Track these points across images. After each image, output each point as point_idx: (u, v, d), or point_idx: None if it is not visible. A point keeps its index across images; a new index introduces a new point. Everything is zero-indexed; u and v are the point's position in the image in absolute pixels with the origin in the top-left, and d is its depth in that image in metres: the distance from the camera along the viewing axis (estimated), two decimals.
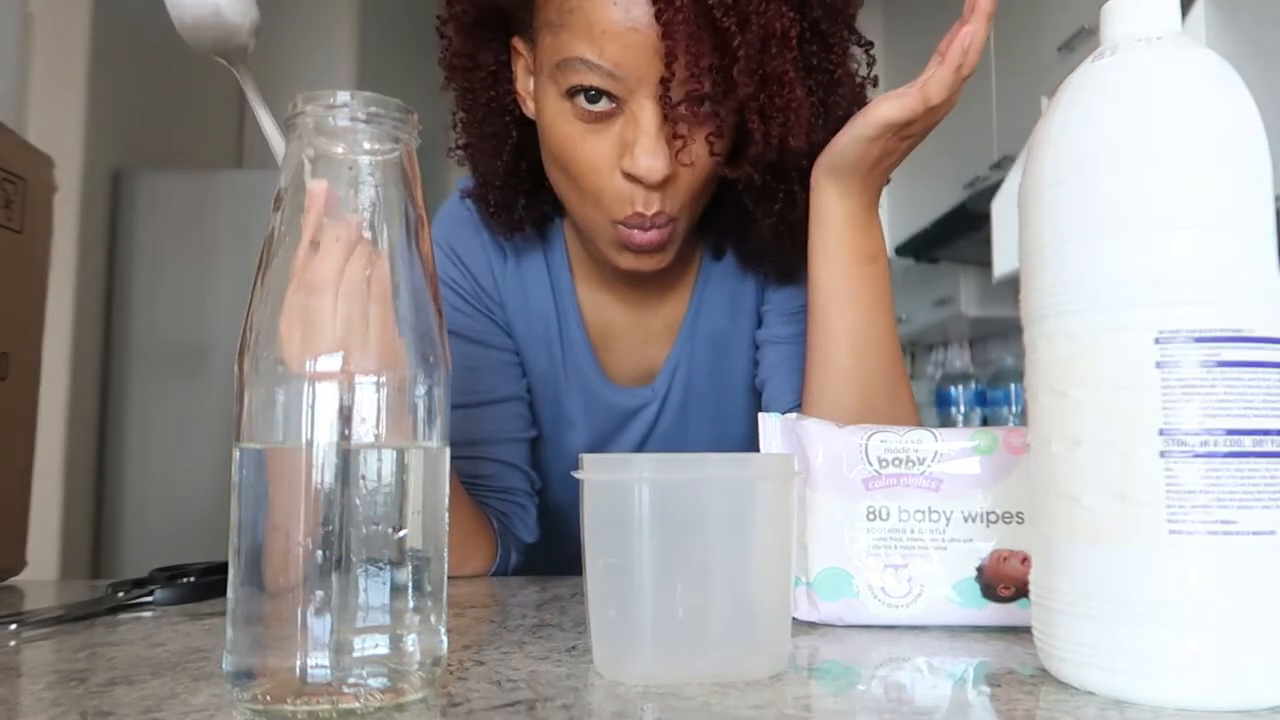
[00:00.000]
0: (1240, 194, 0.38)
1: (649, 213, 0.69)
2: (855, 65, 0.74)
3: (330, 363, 0.37)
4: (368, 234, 0.39)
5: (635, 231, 0.71)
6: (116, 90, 2.46)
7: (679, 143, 0.68)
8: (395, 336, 0.39)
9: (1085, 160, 0.39)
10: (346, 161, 0.39)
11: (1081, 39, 2.17)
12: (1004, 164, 2.55)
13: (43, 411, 0.79)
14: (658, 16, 0.63)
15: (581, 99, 0.67)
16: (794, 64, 0.66)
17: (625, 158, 0.68)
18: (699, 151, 0.69)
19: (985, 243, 2.54)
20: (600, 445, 0.88)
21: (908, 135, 0.68)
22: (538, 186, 0.80)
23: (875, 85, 0.76)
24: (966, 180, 2.76)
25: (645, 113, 0.67)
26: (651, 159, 0.67)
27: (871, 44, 0.74)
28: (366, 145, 0.39)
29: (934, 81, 0.65)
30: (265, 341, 0.38)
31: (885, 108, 0.66)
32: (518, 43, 0.75)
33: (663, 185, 0.69)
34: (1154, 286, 0.37)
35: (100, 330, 2.47)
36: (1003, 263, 2.41)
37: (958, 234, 2.84)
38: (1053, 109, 0.42)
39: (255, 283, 0.39)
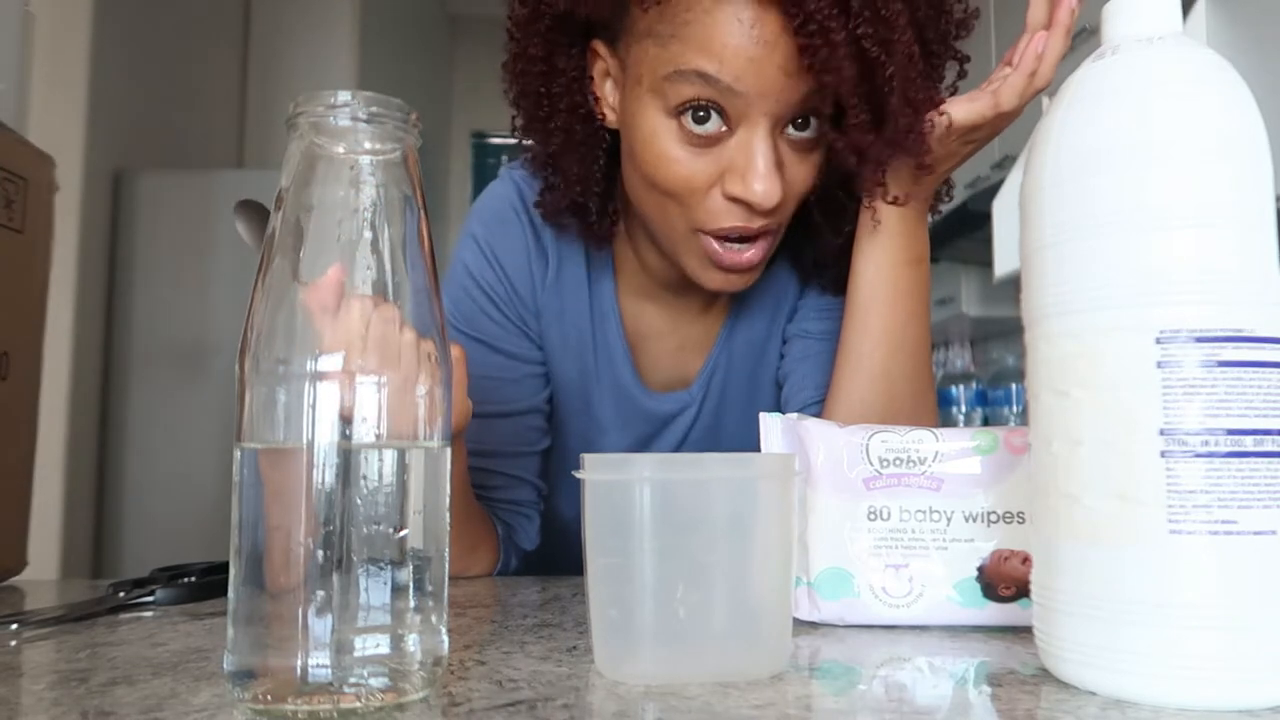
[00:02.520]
0: (1241, 193, 0.38)
1: (754, 227, 0.68)
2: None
3: (331, 362, 0.37)
4: (369, 234, 0.39)
5: (727, 253, 0.69)
6: (117, 90, 2.46)
7: (789, 160, 0.67)
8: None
9: (1086, 160, 0.39)
10: (348, 161, 0.39)
11: (1082, 39, 2.16)
12: (1005, 164, 2.54)
13: (43, 411, 0.79)
14: (802, 49, 0.61)
15: (689, 118, 0.65)
16: (926, 85, 0.64)
17: (733, 181, 0.65)
18: (801, 171, 0.68)
19: (986, 242, 2.54)
20: (636, 451, 0.87)
21: (972, 140, 0.67)
22: (611, 189, 0.78)
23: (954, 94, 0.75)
24: (967, 180, 2.76)
25: (759, 134, 0.64)
26: (766, 184, 0.64)
27: (968, 58, 0.73)
28: (368, 145, 0.39)
29: (1007, 88, 0.64)
30: (266, 341, 0.38)
31: (956, 111, 0.65)
32: (599, 46, 0.72)
33: (772, 209, 0.67)
34: (1155, 286, 0.37)
35: (101, 330, 2.47)
36: (1004, 262, 2.41)
37: (959, 234, 2.83)
38: (1054, 108, 0.42)
39: (256, 283, 0.39)
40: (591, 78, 0.73)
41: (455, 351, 0.59)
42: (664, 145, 0.67)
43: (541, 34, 0.72)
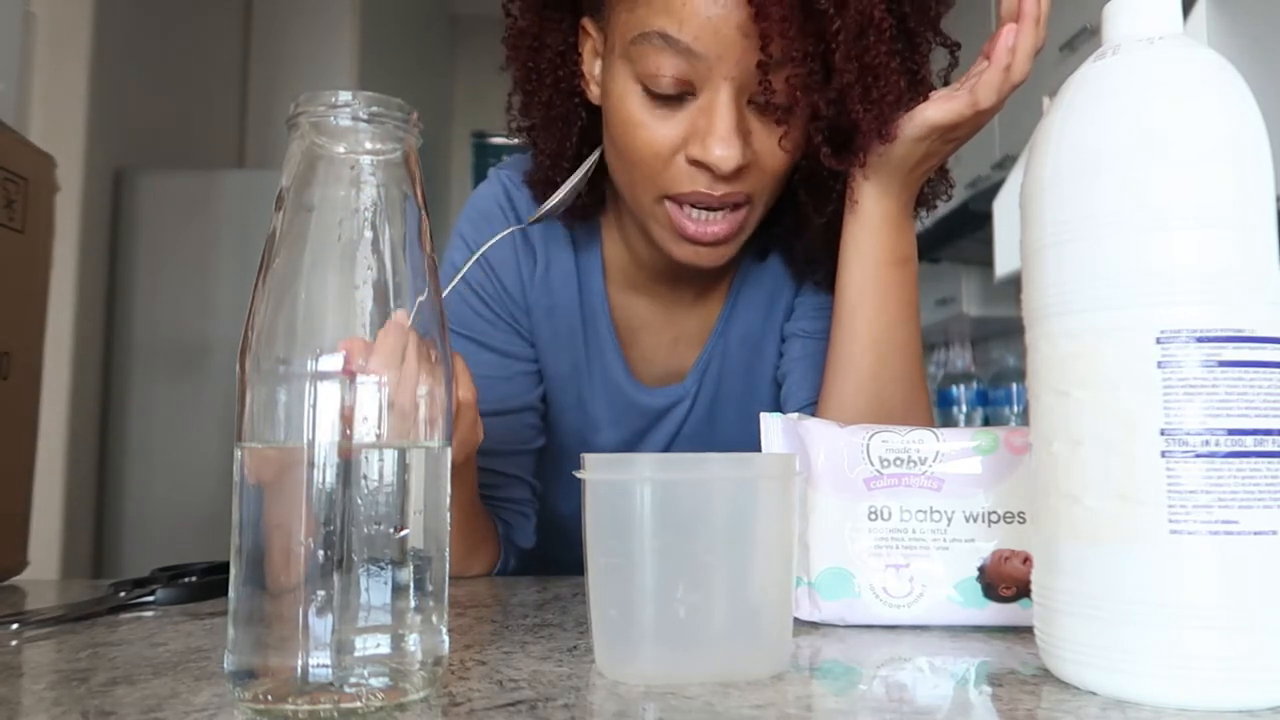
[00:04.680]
0: (1241, 194, 0.38)
1: (716, 194, 0.67)
2: (934, 74, 0.72)
3: (332, 362, 0.37)
4: (369, 234, 0.39)
5: (692, 223, 0.69)
6: (118, 90, 2.46)
7: (758, 128, 0.66)
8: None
9: (1087, 160, 0.39)
10: (348, 161, 0.39)
11: (1083, 39, 2.16)
12: (1006, 164, 2.54)
13: (44, 411, 0.79)
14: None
15: (653, 82, 0.65)
16: (890, 55, 0.63)
17: (694, 145, 0.66)
18: (774, 142, 0.67)
19: (987, 242, 2.53)
20: (630, 445, 0.87)
21: (952, 138, 0.67)
22: (598, 172, 0.78)
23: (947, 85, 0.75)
24: (968, 180, 2.76)
25: (721, 99, 0.64)
26: (725, 148, 0.64)
27: (959, 45, 0.72)
28: (368, 145, 0.40)
29: (983, 85, 0.63)
30: (266, 341, 0.38)
31: (933, 110, 0.65)
32: (587, 23, 0.74)
33: (734, 176, 0.67)
34: (1155, 286, 0.37)
35: (102, 330, 2.47)
36: (1004, 262, 2.41)
37: (959, 233, 2.83)
38: (1054, 108, 0.42)
39: (257, 283, 0.39)
40: (581, 56, 0.75)
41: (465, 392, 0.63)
42: (631, 109, 0.68)
43: (534, 10, 0.75)
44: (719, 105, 0.65)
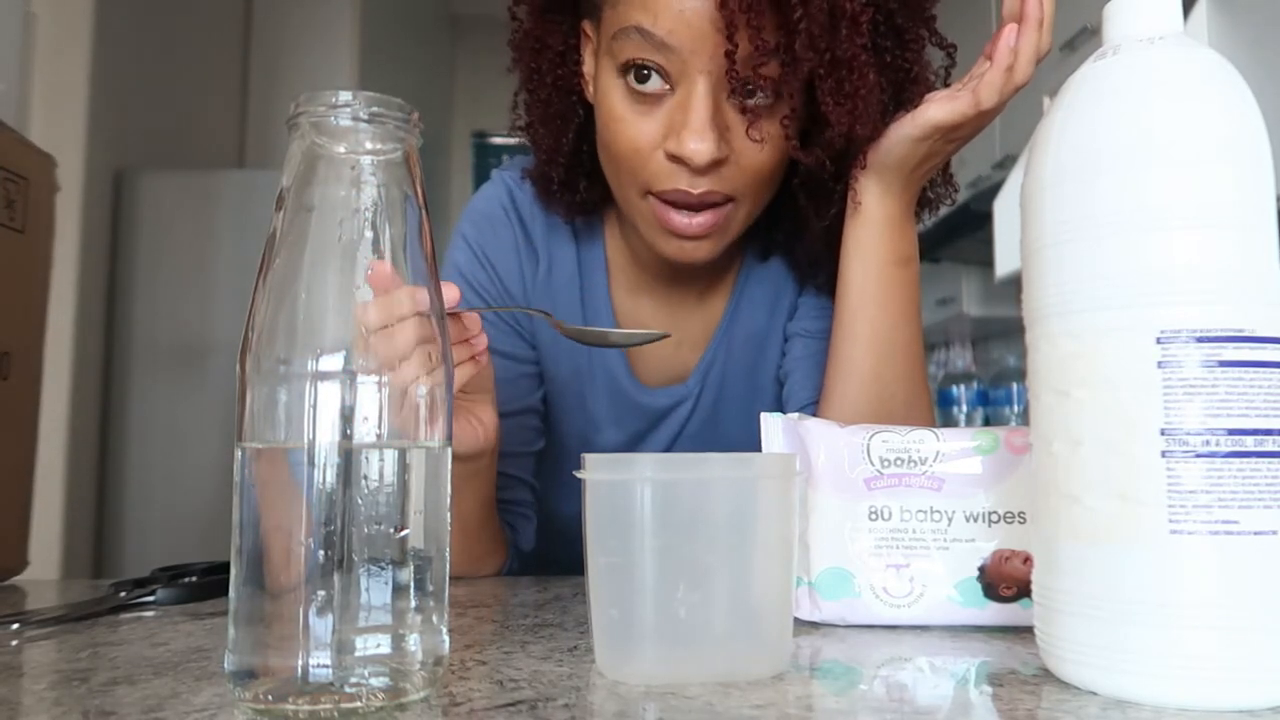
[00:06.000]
0: (1242, 194, 0.38)
1: (695, 192, 0.67)
2: (932, 73, 0.72)
3: (332, 362, 0.37)
4: (370, 234, 0.39)
5: (677, 216, 0.69)
6: (118, 90, 2.46)
7: (738, 123, 0.66)
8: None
9: (1087, 160, 0.39)
10: (349, 161, 0.39)
11: (1084, 38, 2.16)
12: (1006, 163, 2.54)
13: (44, 411, 0.79)
14: None
15: (632, 77, 0.66)
16: (865, 49, 0.63)
17: (671, 139, 0.66)
18: (748, 135, 0.66)
19: (987, 242, 2.53)
20: (631, 446, 0.87)
21: (955, 138, 0.67)
22: (598, 168, 0.78)
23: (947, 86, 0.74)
24: (969, 180, 2.76)
25: (696, 92, 0.65)
26: (699, 141, 0.64)
27: (955, 46, 0.72)
28: (369, 145, 0.40)
29: (985, 86, 0.63)
30: (267, 341, 0.38)
31: (935, 110, 0.65)
32: (586, 25, 0.75)
33: (711, 169, 0.66)
34: (1155, 286, 0.37)
35: (102, 330, 2.47)
36: (1005, 262, 2.41)
37: (960, 233, 2.83)
38: (1055, 108, 0.42)
39: (257, 282, 0.39)
40: (581, 57, 0.76)
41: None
42: (613, 104, 0.68)
43: (537, 13, 0.76)
44: (694, 99, 0.65)
